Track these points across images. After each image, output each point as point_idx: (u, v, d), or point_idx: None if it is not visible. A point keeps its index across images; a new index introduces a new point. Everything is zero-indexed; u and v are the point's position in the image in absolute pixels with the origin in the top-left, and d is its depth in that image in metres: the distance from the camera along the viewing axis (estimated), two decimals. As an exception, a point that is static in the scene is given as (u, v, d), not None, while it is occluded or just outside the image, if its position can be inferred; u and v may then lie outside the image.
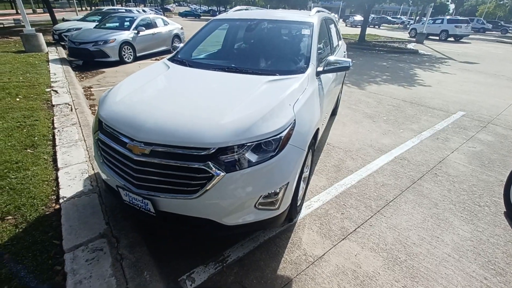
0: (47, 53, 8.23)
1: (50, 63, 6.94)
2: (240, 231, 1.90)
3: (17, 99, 4.30)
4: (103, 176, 1.88)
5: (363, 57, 11.35)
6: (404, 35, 23.33)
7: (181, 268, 1.79)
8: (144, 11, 16.80)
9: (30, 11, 33.76)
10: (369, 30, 25.19)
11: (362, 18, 16.79)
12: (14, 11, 33.98)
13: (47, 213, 2.09)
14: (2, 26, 14.36)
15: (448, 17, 22.11)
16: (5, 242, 1.81)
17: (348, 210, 2.41)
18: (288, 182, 1.69)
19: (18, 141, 3.06)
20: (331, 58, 2.39)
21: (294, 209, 2.05)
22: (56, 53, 8.34)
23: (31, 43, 8.07)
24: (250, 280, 1.75)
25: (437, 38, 21.16)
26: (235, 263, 1.86)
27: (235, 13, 3.12)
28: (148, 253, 1.80)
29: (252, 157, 1.56)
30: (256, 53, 2.62)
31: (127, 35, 7.90)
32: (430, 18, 20.60)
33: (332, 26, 3.62)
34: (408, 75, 8.19)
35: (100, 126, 1.85)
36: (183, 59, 2.60)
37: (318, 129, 2.26)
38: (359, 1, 15.42)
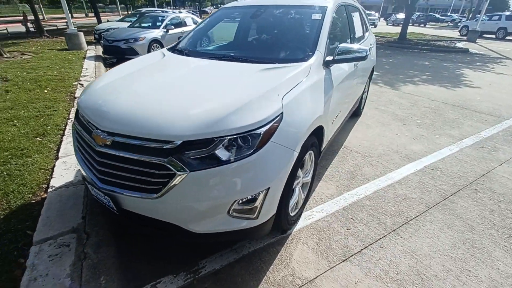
0: (86, 50, 8.82)
1: (85, 60, 7.39)
2: (215, 241, 1.66)
3: (45, 91, 4.56)
4: (79, 166, 1.78)
5: (402, 56, 10.39)
6: (454, 33, 21.10)
7: (147, 275, 1.59)
8: (180, 12, 17.44)
9: (83, 15, 37.34)
10: (413, 29, 23.29)
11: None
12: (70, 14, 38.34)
13: (32, 201, 2.05)
14: (56, 27, 15.88)
15: (507, 13, 19.48)
16: (-18, 228, 1.79)
17: (356, 226, 2.03)
18: (269, 188, 1.40)
19: (32, 129, 3.17)
20: (344, 45, 2.03)
21: (285, 219, 1.75)
22: (94, 51, 8.90)
23: (73, 42, 8.71)
24: (222, 299, 1.50)
25: (494, 36, 18.77)
26: (209, 276, 1.62)
27: (244, 1, 2.89)
28: (114, 255, 1.64)
29: (223, 154, 1.30)
30: (258, 41, 2.36)
31: (157, 33, 8.13)
32: (486, 15, 18.34)
33: (355, 14, 3.21)
34: (454, 75, 7.24)
35: (77, 114, 1.75)
36: (182, 48, 2.43)
37: (322, 128, 1.92)
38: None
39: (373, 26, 27.46)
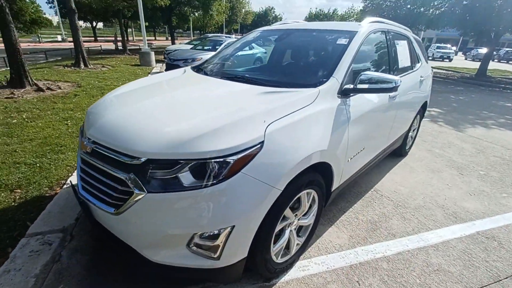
0: (153, 67, 10.03)
1: (149, 75, 8.36)
2: (174, 276, 1.49)
3: (105, 98, 5.22)
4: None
5: (477, 93, 9.00)
6: (556, 73, 17.63)
7: (108, 294, 1.50)
8: (236, 38, 18.82)
9: (164, 38, 43.58)
10: (498, 65, 20.33)
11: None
12: (153, 37, 45.64)
13: (46, 195, 2.22)
14: (138, 47, 18.72)
15: None
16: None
17: (360, 293, 1.62)
18: (234, 226, 1.20)
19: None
20: (368, 73, 1.76)
21: (263, 265, 1.49)
22: (159, 67, 10.07)
23: (145, 59, 10.04)
24: None
25: None
26: (167, 312, 1.45)
27: (275, 24, 2.85)
28: (84, 265, 1.60)
29: (186, 179, 1.17)
30: (275, 64, 2.24)
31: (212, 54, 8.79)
32: None
33: (402, 42, 2.86)
34: (546, 122, 5.86)
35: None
36: (202, 66, 2.47)
37: (328, 165, 1.65)
38: (482, 26, 12.16)
39: (447, 60, 24.99)
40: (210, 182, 1.17)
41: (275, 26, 2.81)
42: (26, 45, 20.07)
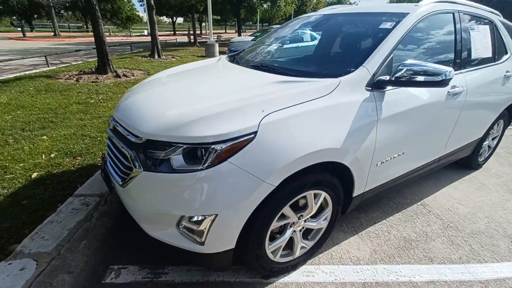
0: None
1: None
2: (167, 254, 1.55)
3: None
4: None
5: None
6: None
7: (121, 257, 1.68)
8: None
9: (234, 31, 45.86)
10: None
11: None
12: (223, 30, 48.67)
13: (97, 164, 2.60)
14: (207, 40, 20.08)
15: None
16: (56, 173, 2.40)
17: (367, 316, 1.40)
18: (217, 215, 1.17)
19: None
20: (411, 62, 1.46)
21: (255, 261, 1.43)
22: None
23: (209, 50, 10.70)
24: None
25: None
26: (164, 285, 1.53)
27: (322, 9, 2.61)
28: (108, 227, 1.82)
29: (176, 162, 1.20)
30: (307, 51, 2.05)
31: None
32: None
33: (482, 28, 2.28)
34: None
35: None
36: (235, 55, 2.47)
37: (346, 167, 1.46)
38: None
39: None
40: (197, 168, 1.16)
41: (321, 11, 2.59)
42: (120, 38, 23.79)
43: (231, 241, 1.27)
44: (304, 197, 1.45)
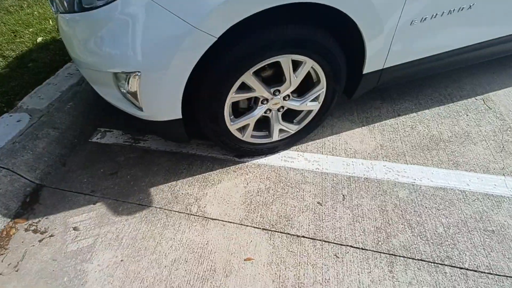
0: None
1: None
2: (128, 121, 1.45)
3: None
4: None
5: None
6: None
7: (109, 122, 1.71)
8: None
9: None
10: None
11: None
12: None
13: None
14: None
15: None
16: (60, 39, 2.35)
17: (338, 211, 1.22)
18: (140, 73, 0.92)
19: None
20: None
21: (221, 139, 1.26)
22: None
23: None
24: (134, 172, 1.45)
25: None
26: (140, 150, 1.55)
27: None
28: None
29: (86, -3, 0.88)
30: None
31: None
32: None
33: None
34: None
35: None
36: None
37: (349, 19, 0.94)
38: None
39: None
40: (100, 3, 0.83)
41: None
42: None
43: (174, 110, 1.06)
44: (277, 63, 1.06)
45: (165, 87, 0.97)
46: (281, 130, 1.36)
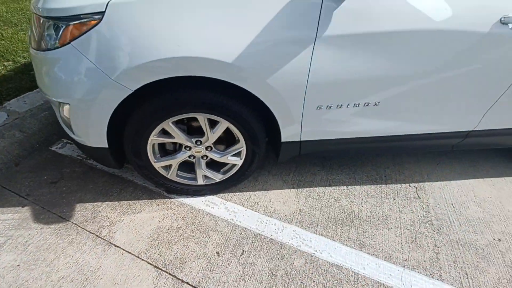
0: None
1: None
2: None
3: None
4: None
5: None
6: None
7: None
8: None
9: None
10: None
11: None
12: None
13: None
14: None
15: None
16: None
17: (244, 259, 1.26)
18: (69, 104, 1.10)
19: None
20: None
21: (145, 173, 1.39)
22: None
23: None
24: (72, 185, 1.57)
25: None
26: (88, 166, 1.70)
27: None
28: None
29: (49, 39, 1.09)
30: None
31: None
32: None
33: None
34: None
35: None
36: None
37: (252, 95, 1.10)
38: None
39: None
40: (50, 47, 1.05)
41: None
42: None
43: (100, 140, 1.22)
44: (196, 119, 1.22)
45: (90, 119, 1.14)
46: (206, 176, 1.47)
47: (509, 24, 1.08)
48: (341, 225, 1.47)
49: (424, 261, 1.33)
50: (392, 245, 1.40)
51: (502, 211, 1.62)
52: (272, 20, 0.96)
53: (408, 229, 1.48)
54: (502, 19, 1.07)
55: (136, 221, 1.42)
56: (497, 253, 1.40)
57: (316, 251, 1.34)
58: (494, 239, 1.46)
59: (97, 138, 1.22)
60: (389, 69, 1.12)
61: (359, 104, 1.23)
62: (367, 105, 1.24)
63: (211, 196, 1.57)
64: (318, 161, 1.86)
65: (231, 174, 1.48)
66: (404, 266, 1.31)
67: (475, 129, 1.46)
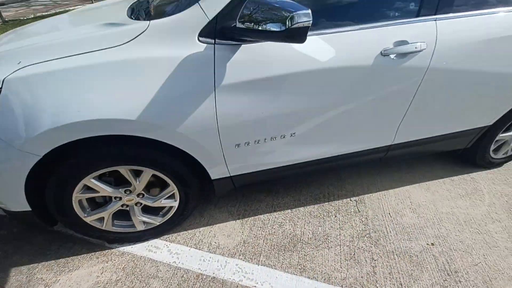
0: None
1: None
2: None
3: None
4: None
5: None
6: None
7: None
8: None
9: None
10: None
11: None
12: None
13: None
14: None
15: None
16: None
17: (173, 309, 1.25)
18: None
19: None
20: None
21: (76, 229, 1.39)
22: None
23: None
24: (8, 248, 1.51)
25: None
26: (25, 225, 1.64)
27: None
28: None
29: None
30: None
31: None
32: None
33: None
34: None
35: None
36: None
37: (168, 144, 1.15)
38: None
39: None
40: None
41: None
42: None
43: (21, 204, 1.20)
44: (118, 171, 1.24)
45: (5, 187, 1.13)
46: (145, 222, 1.47)
47: (390, 55, 1.22)
48: (283, 252, 1.50)
49: (361, 277, 1.39)
50: (331, 264, 1.44)
51: (436, 214, 1.72)
52: (168, 78, 1.03)
53: (347, 246, 1.54)
54: (383, 51, 1.20)
55: (73, 279, 1.38)
56: (431, 258, 1.48)
57: (257, 283, 1.35)
58: (427, 244, 1.55)
59: (17, 203, 1.20)
60: (293, 106, 1.21)
61: (275, 137, 1.31)
62: (284, 137, 1.32)
63: (155, 240, 1.56)
64: (264, 187, 1.91)
65: (170, 215, 1.49)
66: (342, 286, 1.35)
67: (394, 143, 1.59)
